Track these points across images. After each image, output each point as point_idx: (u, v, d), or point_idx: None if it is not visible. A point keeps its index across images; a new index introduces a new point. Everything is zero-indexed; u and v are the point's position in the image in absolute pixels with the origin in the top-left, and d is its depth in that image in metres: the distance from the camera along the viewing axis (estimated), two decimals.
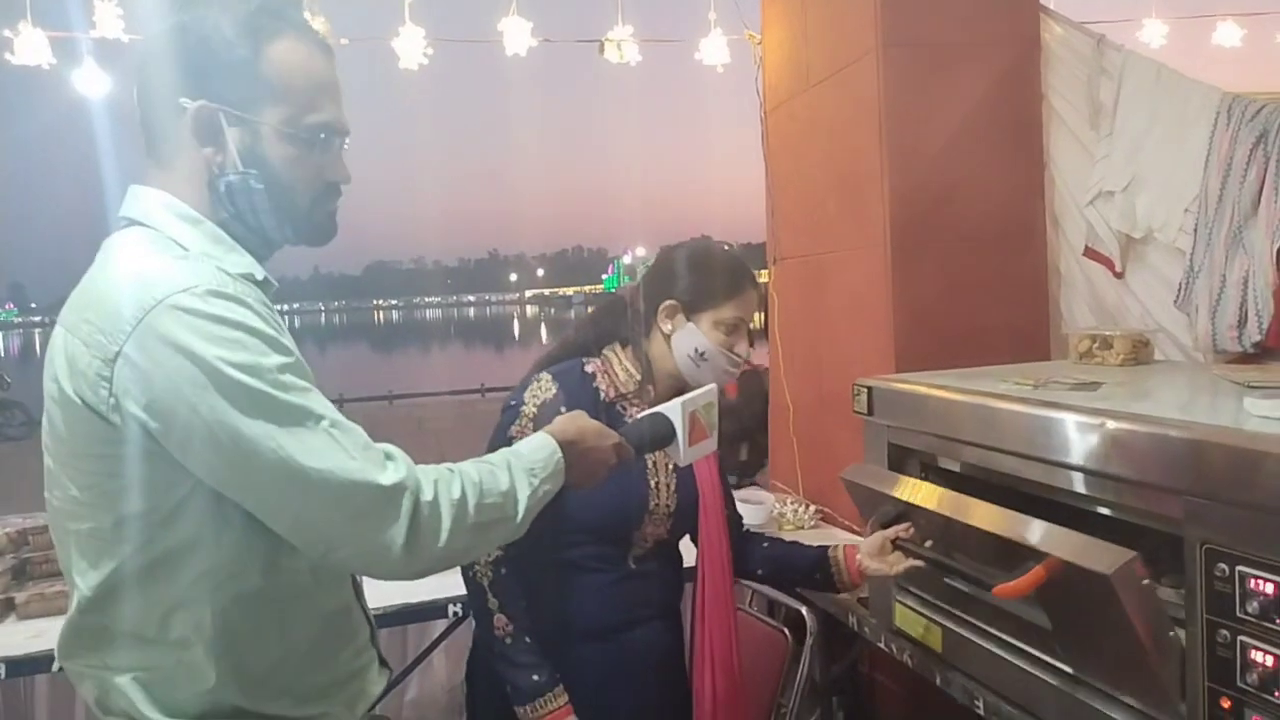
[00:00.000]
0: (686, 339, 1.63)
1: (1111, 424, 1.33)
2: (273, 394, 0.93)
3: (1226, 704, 1.18)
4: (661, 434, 1.42)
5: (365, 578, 1.18)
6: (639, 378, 1.66)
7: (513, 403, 1.61)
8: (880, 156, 2.54)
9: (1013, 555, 1.40)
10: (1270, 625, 1.11)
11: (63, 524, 1.01)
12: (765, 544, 1.90)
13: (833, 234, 2.85)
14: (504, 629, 1.52)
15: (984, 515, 1.51)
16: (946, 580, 1.69)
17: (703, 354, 1.62)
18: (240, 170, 1.02)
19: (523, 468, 1.14)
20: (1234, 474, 1.15)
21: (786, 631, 2.25)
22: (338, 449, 0.96)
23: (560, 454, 1.19)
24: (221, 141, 1.02)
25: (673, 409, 1.43)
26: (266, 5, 1.04)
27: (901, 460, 1.93)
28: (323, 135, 1.07)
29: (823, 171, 2.89)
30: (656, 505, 1.64)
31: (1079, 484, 1.42)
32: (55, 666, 2.04)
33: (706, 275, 1.66)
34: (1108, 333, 2.02)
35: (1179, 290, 2.10)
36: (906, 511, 1.70)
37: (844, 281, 2.81)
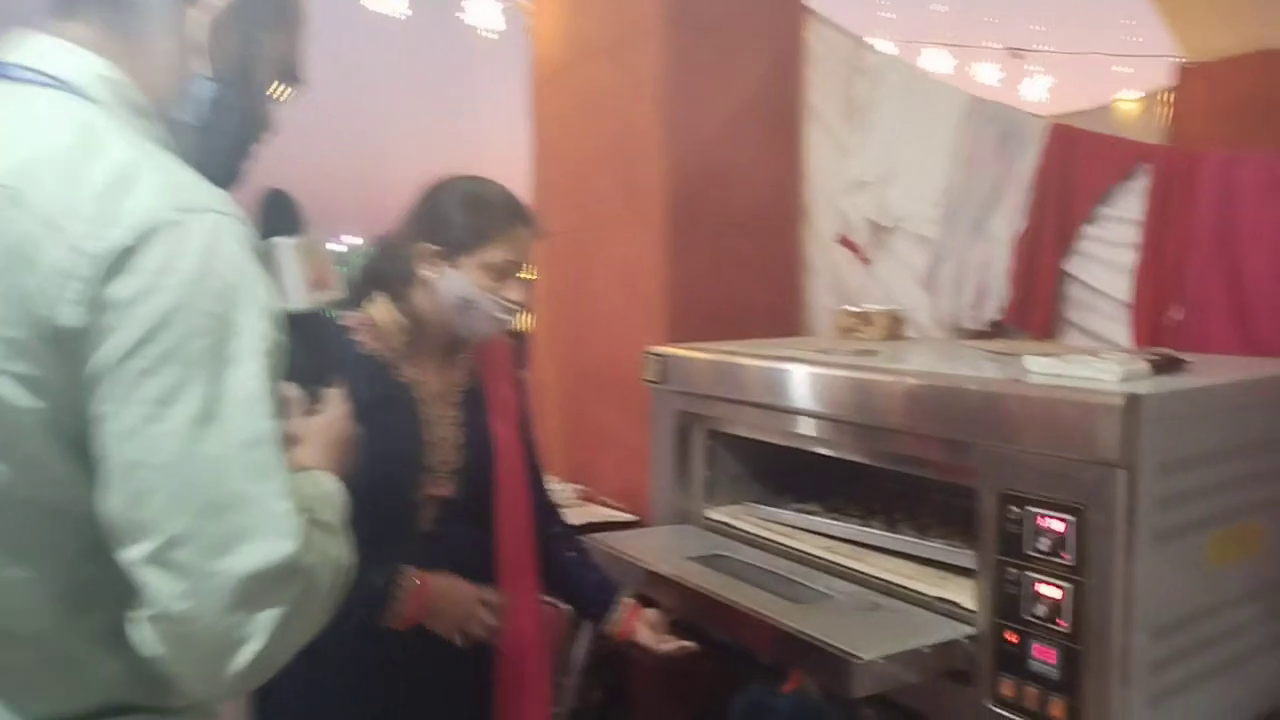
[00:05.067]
0: (450, 286, 1.49)
1: (912, 381, 1.41)
2: None
3: (1013, 638, 1.28)
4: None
5: None
6: (408, 328, 1.53)
7: None
8: (658, 134, 2.56)
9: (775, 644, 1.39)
10: (1056, 559, 1.23)
11: None
12: (571, 553, 1.77)
13: (603, 209, 2.84)
14: None
15: (740, 596, 1.48)
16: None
17: (470, 302, 1.50)
18: None
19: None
20: (1024, 423, 1.26)
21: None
22: None
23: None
24: None
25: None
26: None
27: (688, 428, 1.95)
28: None
29: (594, 146, 2.86)
30: (436, 462, 1.53)
31: (881, 442, 1.50)
32: None
33: (472, 214, 1.50)
34: (869, 309, 2.18)
35: (928, 274, 2.32)
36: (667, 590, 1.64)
37: (614, 256, 2.80)
